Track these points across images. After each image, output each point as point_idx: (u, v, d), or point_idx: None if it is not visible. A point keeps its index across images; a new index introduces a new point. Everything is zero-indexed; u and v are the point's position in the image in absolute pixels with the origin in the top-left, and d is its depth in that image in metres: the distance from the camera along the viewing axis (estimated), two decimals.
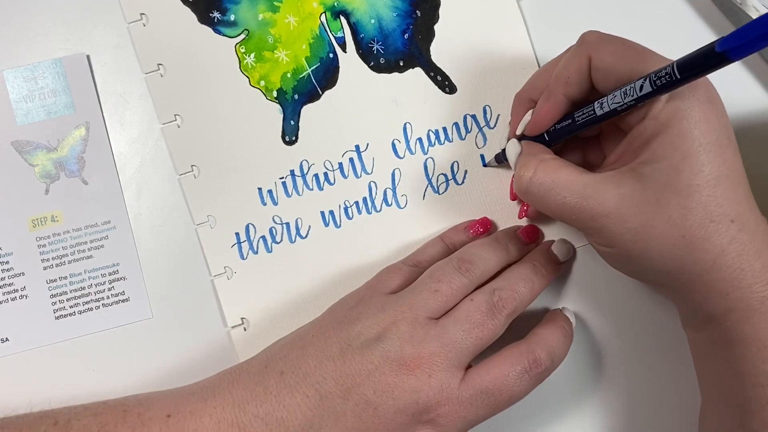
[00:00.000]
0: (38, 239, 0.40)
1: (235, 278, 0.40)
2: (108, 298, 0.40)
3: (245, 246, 0.41)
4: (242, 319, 0.40)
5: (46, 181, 0.41)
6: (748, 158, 0.41)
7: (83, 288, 0.40)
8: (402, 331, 0.33)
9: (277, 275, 0.41)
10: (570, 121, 0.34)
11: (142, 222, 0.41)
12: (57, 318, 0.40)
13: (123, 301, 0.41)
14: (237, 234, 0.41)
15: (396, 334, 0.33)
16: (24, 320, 0.40)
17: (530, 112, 0.36)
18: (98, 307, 0.40)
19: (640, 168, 0.31)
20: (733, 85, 0.41)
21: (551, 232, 0.41)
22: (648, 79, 0.30)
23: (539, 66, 0.41)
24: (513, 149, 0.36)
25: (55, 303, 0.40)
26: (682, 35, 0.42)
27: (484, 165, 0.41)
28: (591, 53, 0.32)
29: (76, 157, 0.41)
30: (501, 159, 0.40)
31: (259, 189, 0.41)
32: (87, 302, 0.40)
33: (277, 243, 0.41)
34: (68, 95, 0.41)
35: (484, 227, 0.40)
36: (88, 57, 0.41)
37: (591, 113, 0.33)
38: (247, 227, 0.41)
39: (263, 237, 0.41)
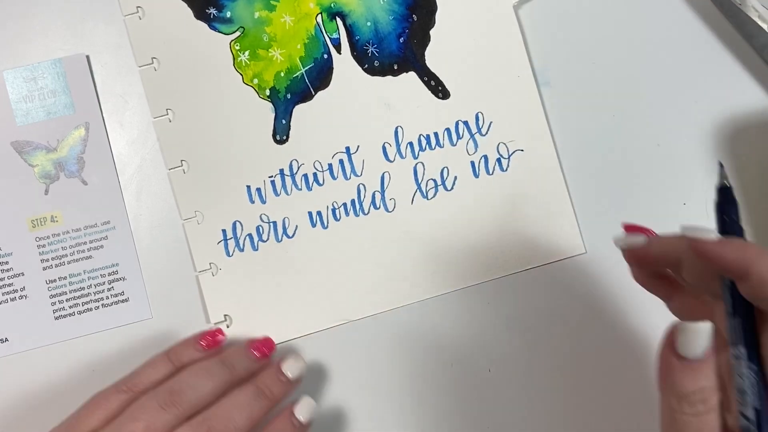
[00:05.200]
0: (38, 239, 0.40)
1: (220, 275, 0.40)
2: (107, 298, 0.40)
3: (231, 243, 0.41)
4: (225, 315, 0.40)
5: (45, 182, 0.41)
6: (747, 158, 0.41)
7: (83, 288, 0.40)
8: None
9: (262, 274, 0.41)
10: None
11: (142, 222, 0.41)
12: (57, 318, 0.40)
13: (122, 301, 0.41)
14: (224, 231, 0.41)
15: None
16: (24, 320, 0.40)
17: None
18: (98, 307, 0.40)
19: None
20: (734, 85, 0.41)
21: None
22: None
23: (534, 75, 0.41)
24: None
25: (55, 303, 0.40)
26: (682, 36, 0.42)
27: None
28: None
29: (75, 157, 0.41)
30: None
31: (248, 187, 0.41)
32: (86, 302, 0.40)
33: (264, 242, 0.41)
34: (68, 95, 0.41)
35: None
36: (87, 57, 0.41)
37: None
38: (234, 224, 0.41)
39: (250, 235, 0.41)
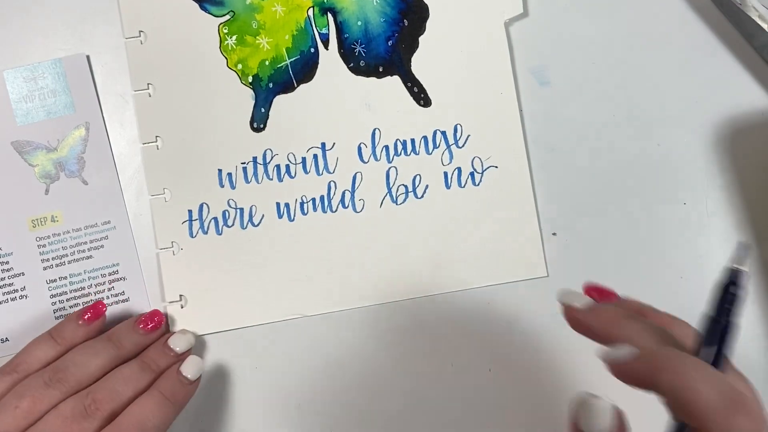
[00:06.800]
0: (38, 239, 0.40)
1: (181, 255, 0.40)
2: (108, 298, 0.40)
3: (196, 225, 0.41)
4: (180, 296, 0.40)
5: (46, 182, 0.41)
6: (748, 158, 0.41)
7: (83, 288, 0.40)
8: None
9: (223, 258, 0.41)
10: None
11: (142, 222, 0.41)
12: (57, 318, 0.40)
13: (123, 301, 0.40)
14: (190, 211, 0.41)
15: None
16: (24, 320, 0.40)
17: None
18: None
19: None
20: (734, 85, 0.41)
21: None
22: None
23: (517, 93, 0.41)
24: None
25: (55, 303, 0.40)
26: (682, 35, 0.42)
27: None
28: None
29: (75, 157, 0.41)
30: None
31: (219, 170, 0.41)
32: (87, 302, 0.40)
33: (229, 227, 0.41)
34: (68, 95, 0.41)
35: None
36: (88, 57, 0.41)
37: None
38: (201, 206, 0.41)
39: (215, 218, 0.41)
